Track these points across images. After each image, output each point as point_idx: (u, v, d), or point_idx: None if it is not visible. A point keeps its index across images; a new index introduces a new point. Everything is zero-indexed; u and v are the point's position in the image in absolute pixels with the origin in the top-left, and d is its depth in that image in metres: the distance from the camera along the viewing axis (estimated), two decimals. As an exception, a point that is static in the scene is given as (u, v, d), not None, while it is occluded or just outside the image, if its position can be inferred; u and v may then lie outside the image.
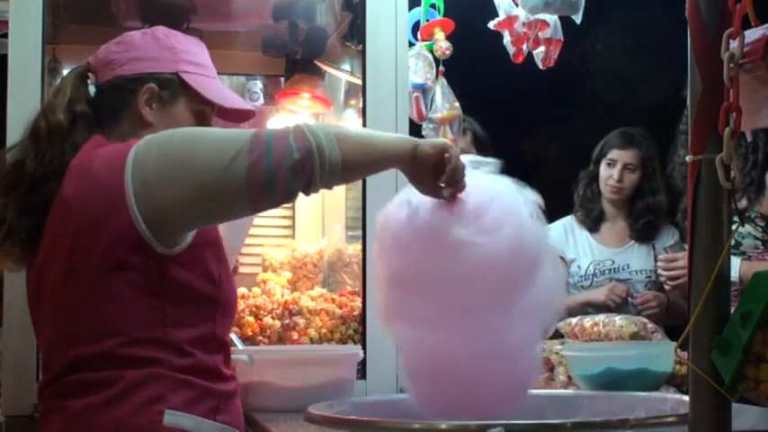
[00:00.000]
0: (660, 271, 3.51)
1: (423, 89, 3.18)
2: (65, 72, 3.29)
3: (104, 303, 1.79)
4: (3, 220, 1.87)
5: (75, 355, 1.80)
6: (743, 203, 3.30)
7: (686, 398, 1.43)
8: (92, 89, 1.98)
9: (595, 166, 3.84)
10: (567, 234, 3.85)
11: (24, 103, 2.41)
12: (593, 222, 3.81)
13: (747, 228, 3.31)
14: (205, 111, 2.02)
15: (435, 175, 1.86)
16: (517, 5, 3.17)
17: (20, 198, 1.87)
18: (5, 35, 2.49)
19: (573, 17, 3.12)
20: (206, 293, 1.86)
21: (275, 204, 1.84)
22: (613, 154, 3.77)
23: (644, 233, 3.77)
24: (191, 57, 2.02)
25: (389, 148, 1.88)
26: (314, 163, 1.75)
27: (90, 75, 2.00)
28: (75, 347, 1.80)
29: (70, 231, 1.81)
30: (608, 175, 3.76)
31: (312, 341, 2.75)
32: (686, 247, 3.12)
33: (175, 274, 1.81)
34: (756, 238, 3.33)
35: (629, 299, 3.62)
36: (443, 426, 1.82)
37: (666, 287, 3.53)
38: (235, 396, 1.93)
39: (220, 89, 2.07)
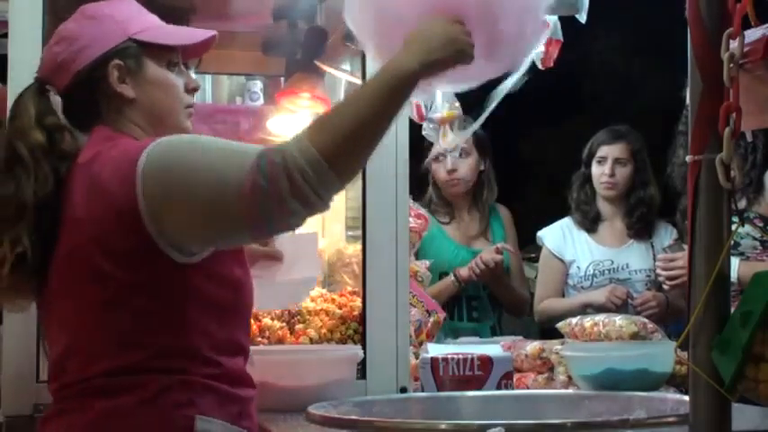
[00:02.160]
0: (659, 271, 3.52)
1: (423, 89, 3.18)
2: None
3: (124, 316, 1.76)
4: (23, 255, 1.79)
5: (99, 367, 1.77)
6: (742, 204, 3.30)
7: (686, 398, 1.43)
8: (56, 99, 1.91)
9: (587, 167, 3.85)
10: (566, 235, 3.85)
11: (24, 103, 2.40)
12: (590, 224, 3.82)
13: (746, 228, 3.32)
14: (173, 58, 1.95)
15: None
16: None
17: (31, 227, 1.80)
18: (5, 35, 2.48)
19: (577, 16, 3.12)
20: (228, 300, 1.83)
21: (286, 229, 1.82)
22: (603, 151, 3.79)
23: (641, 228, 3.78)
24: (131, 16, 1.94)
25: (390, 82, 1.70)
26: (281, 177, 1.65)
27: (48, 87, 1.91)
28: (99, 361, 1.77)
29: (84, 244, 1.77)
30: (600, 172, 3.78)
31: (312, 341, 2.75)
32: (685, 246, 3.14)
33: (197, 284, 1.78)
34: (755, 238, 3.33)
35: (629, 300, 3.62)
36: (443, 426, 1.82)
37: (665, 287, 3.54)
38: (254, 401, 1.90)
39: (174, 31, 2.01)
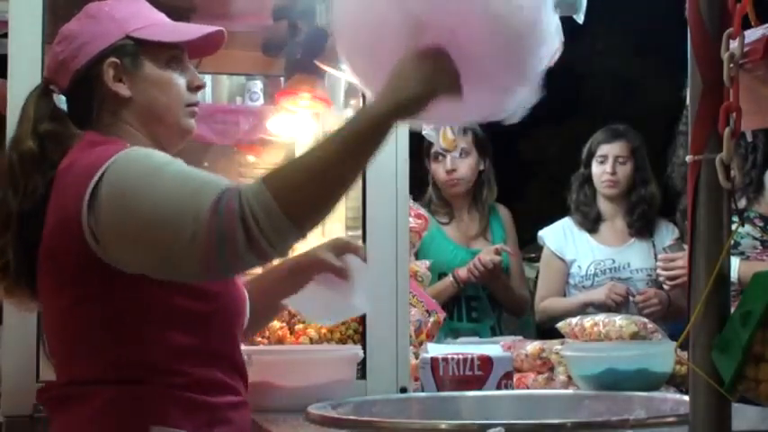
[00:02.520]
0: (659, 271, 3.52)
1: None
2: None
3: (79, 326, 1.77)
4: (6, 263, 1.80)
5: (62, 376, 1.83)
6: (742, 203, 3.30)
7: (686, 398, 1.43)
8: (60, 99, 1.88)
9: (586, 167, 3.86)
10: (567, 235, 3.86)
11: (24, 103, 2.41)
12: (591, 224, 3.82)
13: (746, 228, 3.32)
14: (175, 56, 1.91)
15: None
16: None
17: (15, 237, 1.79)
18: (5, 35, 2.48)
19: (575, 17, 3.11)
20: (192, 310, 1.77)
21: (239, 274, 1.84)
22: (602, 150, 3.79)
23: (642, 226, 3.78)
24: (132, 14, 1.90)
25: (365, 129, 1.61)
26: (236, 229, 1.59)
27: (52, 87, 1.89)
28: (62, 369, 1.82)
29: (47, 252, 1.77)
30: (601, 171, 3.78)
31: (312, 341, 2.75)
32: (685, 246, 3.15)
33: (154, 294, 1.73)
34: (755, 238, 3.33)
35: (630, 297, 3.62)
36: (443, 426, 1.82)
37: (665, 287, 3.54)
38: (239, 406, 1.86)
39: (174, 28, 1.94)
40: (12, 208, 1.79)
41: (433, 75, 1.59)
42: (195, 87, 1.93)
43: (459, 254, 3.80)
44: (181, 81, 1.90)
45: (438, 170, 3.85)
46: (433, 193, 3.89)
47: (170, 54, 1.90)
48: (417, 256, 3.45)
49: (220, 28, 1.97)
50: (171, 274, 1.70)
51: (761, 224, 3.33)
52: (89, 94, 1.86)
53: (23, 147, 1.82)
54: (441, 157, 3.81)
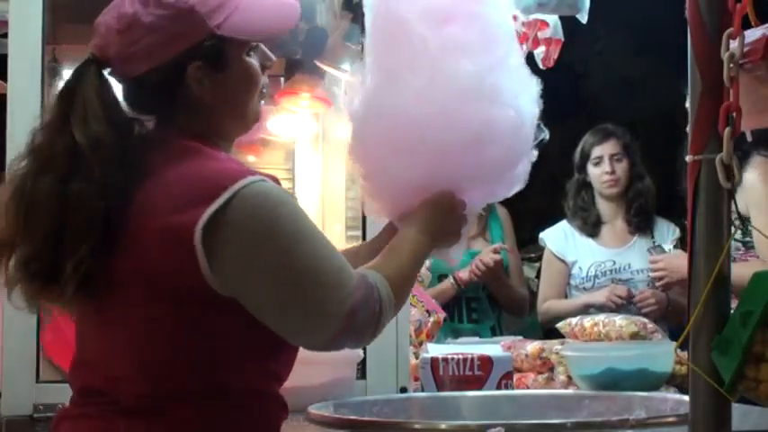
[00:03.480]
0: (650, 273, 3.58)
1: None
2: (65, 72, 3.30)
3: (161, 345, 1.61)
4: (80, 262, 1.57)
5: (135, 388, 1.62)
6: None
7: (686, 398, 1.43)
8: (115, 83, 1.68)
9: (581, 172, 3.86)
10: (567, 236, 3.86)
11: (24, 104, 2.41)
12: (591, 228, 3.83)
13: None
14: (257, 48, 1.74)
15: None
16: (515, 5, 3.17)
17: (95, 241, 1.58)
18: (5, 35, 2.48)
19: (578, 16, 3.12)
20: (273, 335, 1.64)
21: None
22: (597, 151, 3.80)
23: (641, 222, 3.78)
24: (211, 7, 1.65)
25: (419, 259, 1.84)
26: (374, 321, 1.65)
27: (109, 73, 1.68)
28: (136, 382, 1.62)
29: (139, 263, 1.59)
30: (600, 172, 3.79)
31: (312, 341, 2.75)
32: (665, 248, 3.15)
33: (241, 320, 1.61)
34: (736, 239, 3.34)
35: (630, 299, 3.63)
36: (443, 426, 1.82)
37: (656, 285, 3.58)
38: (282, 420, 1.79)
39: (258, 14, 1.71)
40: (98, 206, 1.58)
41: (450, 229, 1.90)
42: (267, 67, 1.77)
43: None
44: (257, 66, 1.74)
45: None
46: None
47: (253, 46, 1.73)
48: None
49: (293, 3, 1.80)
50: (286, 327, 1.62)
51: (742, 226, 3.33)
52: (163, 94, 1.67)
53: (92, 130, 1.60)
54: None
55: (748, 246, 3.29)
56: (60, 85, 1.74)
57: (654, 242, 3.77)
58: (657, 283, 3.55)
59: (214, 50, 1.66)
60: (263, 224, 1.57)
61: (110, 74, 1.68)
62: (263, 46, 1.75)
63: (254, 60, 1.73)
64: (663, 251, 3.56)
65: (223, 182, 1.57)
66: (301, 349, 1.73)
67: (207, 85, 1.67)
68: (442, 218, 1.85)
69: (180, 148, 1.65)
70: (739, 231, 3.31)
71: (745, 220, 3.24)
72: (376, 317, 1.63)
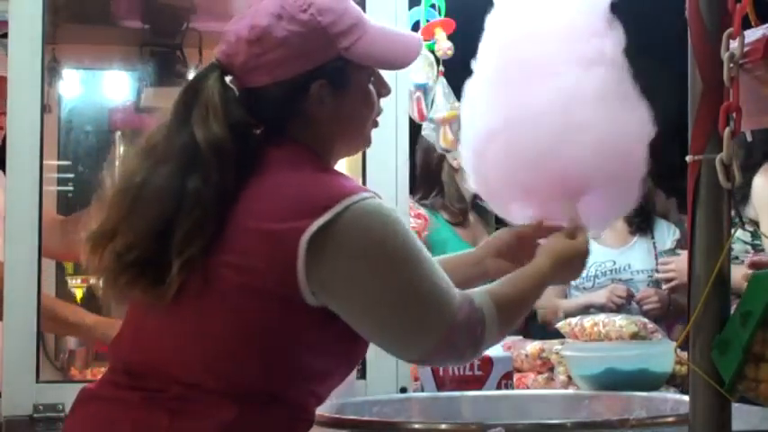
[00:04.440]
0: (658, 275, 3.57)
1: (424, 89, 3.18)
2: (64, 72, 3.30)
3: (241, 347, 1.61)
4: (189, 261, 1.59)
5: (196, 379, 1.61)
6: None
7: (686, 398, 1.43)
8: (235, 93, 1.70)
9: None
10: (568, 236, 3.85)
11: (24, 103, 2.41)
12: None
13: (737, 232, 3.32)
14: (376, 74, 1.76)
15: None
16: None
17: (206, 241, 1.60)
18: (5, 35, 2.48)
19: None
20: (347, 346, 1.70)
21: None
22: None
23: (641, 222, 3.78)
24: (340, 23, 1.68)
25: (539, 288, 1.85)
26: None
27: (232, 81, 1.70)
28: (193, 373, 1.61)
29: (233, 262, 1.60)
30: None
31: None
32: (679, 252, 3.16)
33: (321, 327, 1.64)
34: (745, 242, 3.34)
35: (631, 299, 3.63)
36: (443, 426, 1.83)
37: (663, 287, 3.57)
38: None
39: (386, 44, 1.74)
40: (211, 205, 1.60)
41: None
42: (383, 96, 1.80)
43: None
44: (375, 93, 1.77)
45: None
46: (447, 193, 3.81)
47: (373, 70, 1.77)
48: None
49: (417, 36, 1.88)
50: (383, 341, 1.67)
51: (751, 228, 3.33)
52: (285, 107, 1.70)
53: (213, 134, 1.63)
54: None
55: (758, 248, 3.29)
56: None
57: (654, 243, 3.76)
58: (665, 285, 3.55)
59: (339, 72, 1.69)
60: (371, 241, 1.59)
61: (231, 81, 1.70)
62: (381, 74, 1.78)
63: (372, 85, 1.75)
64: (674, 255, 3.57)
65: (335, 195, 1.59)
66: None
67: (327, 103, 1.69)
68: (571, 259, 1.90)
69: (292, 156, 1.68)
70: (749, 234, 3.31)
71: (744, 220, 3.24)
72: (477, 339, 1.66)
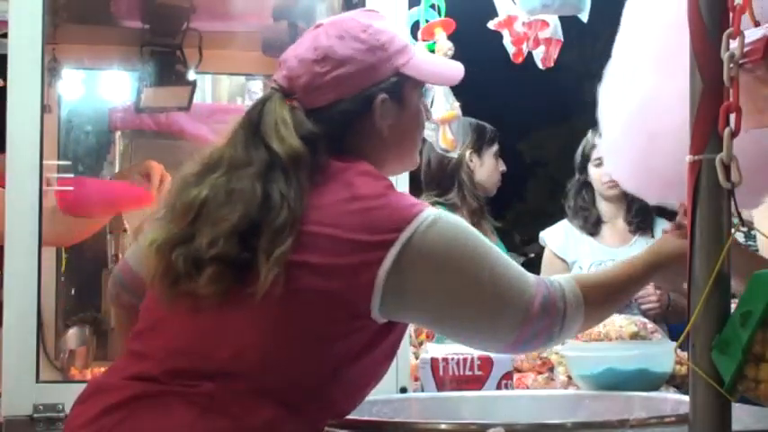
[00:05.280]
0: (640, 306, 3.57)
1: (424, 89, 3.18)
2: (64, 72, 3.30)
3: (286, 355, 1.66)
4: (281, 256, 1.64)
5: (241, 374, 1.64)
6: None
7: (686, 398, 1.43)
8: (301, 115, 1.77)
9: (582, 173, 3.85)
10: (568, 236, 3.85)
11: (24, 104, 2.41)
12: (592, 227, 3.82)
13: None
14: (422, 89, 1.91)
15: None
16: (515, 4, 3.17)
17: (294, 236, 1.66)
18: (5, 35, 2.48)
19: (579, 16, 3.11)
20: (382, 353, 1.77)
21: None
22: (597, 152, 3.79)
23: (641, 221, 3.78)
24: (396, 42, 1.82)
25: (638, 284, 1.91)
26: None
27: (296, 105, 1.77)
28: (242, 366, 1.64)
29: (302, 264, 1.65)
30: (601, 173, 3.78)
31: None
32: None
33: (371, 336, 1.71)
34: (740, 242, 3.34)
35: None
36: (443, 426, 1.82)
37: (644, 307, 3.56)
38: None
39: (434, 64, 1.96)
40: (297, 211, 1.67)
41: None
42: (427, 118, 1.96)
43: None
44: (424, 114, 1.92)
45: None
46: (472, 193, 3.82)
47: (422, 88, 1.90)
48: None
49: (460, 66, 1.98)
50: (470, 341, 1.80)
51: (744, 230, 3.33)
52: (347, 124, 1.78)
53: (289, 145, 1.71)
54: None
55: (752, 248, 3.29)
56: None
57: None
58: (645, 307, 3.53)
59: (398, 87, 1.81)
60: (451, 250, 1.68)
61: (293, 102, 1.78)
62: (424, 101, 1.93)
63: (421, 107, 1.89)
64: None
65: (414, 211, 1.68)
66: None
67: (388, 118, 1.80)
68: (674, 259, 1.87)
69: (356, 168, 1.74)
70: (743, 235, 3.31)
71: (745, 221, 3.25)
72: (560, 316, 1.72)
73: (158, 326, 1.74)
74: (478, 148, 3.74)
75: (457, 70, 1.95)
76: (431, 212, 1.69)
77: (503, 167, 3.83)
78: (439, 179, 3.76)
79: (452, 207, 3.71)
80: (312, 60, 1.77)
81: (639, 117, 1.97)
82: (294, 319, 1.64)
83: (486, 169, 3.81)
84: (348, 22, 1.82)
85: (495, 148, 3.81)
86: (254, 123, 1.75)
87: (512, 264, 1.73)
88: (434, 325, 1.79)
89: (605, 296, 1.81)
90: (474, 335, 1.74)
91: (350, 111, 1.77)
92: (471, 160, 3.77)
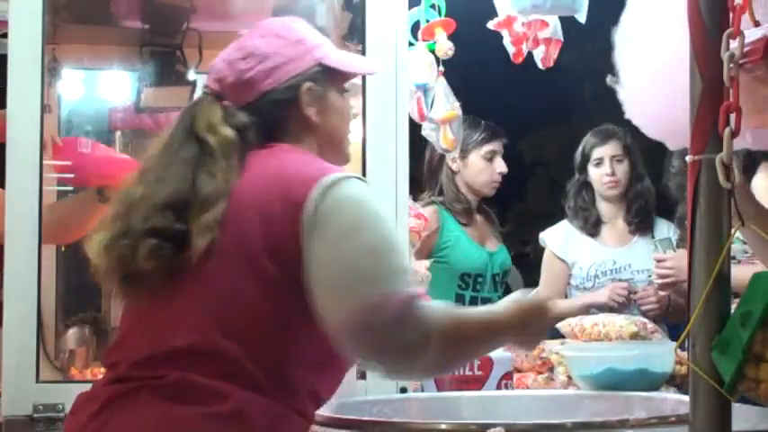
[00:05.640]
0: (653, 269, 3.54)
1: (424, 89, 3.18)
2: (64, 72, 3.30)
3: (254, 321, 1.72)
4: (207, 229, 1.73)
5: (213, 363, 1.69)
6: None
7: (686, 398, 1.43)
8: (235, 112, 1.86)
9: (581, 173, 3.85)
10: (568, 236, 3.85)
11: (24, 103, 2.41)
12: (591, 228, 3.82)
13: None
14: (344, 84, 1.98)
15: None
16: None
17: (222, 211, 1.75)
18: (5, 35, 2.49)
19: (576, 17, 3.12)
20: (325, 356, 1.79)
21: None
22: (597, 152, 3.79)
23: (641, 222, 3.79)
24: (315, 38, 1.93)
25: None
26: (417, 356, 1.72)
27: (227, 104, 1.86)
28: (215, 359, 1.69)
29: (245, 233, 1.73)
30: (601, 173, 3.78)
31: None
32: (674, 240, 3.10)
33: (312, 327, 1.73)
34: (744, 242, 3.33)
35: (631, 295, 3.62)
36: (443, 426, 1.83)
37: (656, 282, 3.53)
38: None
39: (353, 58, 2.06)
40: (223, 189, 1.76)
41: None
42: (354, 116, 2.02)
43: (481, 255, 3.79)
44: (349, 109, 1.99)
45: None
46: (454, 194, 3.83)
47: (344, 83, 1.97)
48: (434, 256, 3.46)
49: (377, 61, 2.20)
50: (321, 300, 1.72)
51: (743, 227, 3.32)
52: (276, 113, 1.87)
53: (221, 134, 1.81)
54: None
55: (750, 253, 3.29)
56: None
57: (655, 244, 3.76)
58: (661, 281, 3.47)
59: (321, 76, 1.89)
60: (353, 216, 1.73)
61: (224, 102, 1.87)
62: (348, 97, 1.99)
63: (346, 102, 1.97)
64: (671, 243, 3.51)
65: (319, 175, 1.74)
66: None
67: (315, 104, 1.88)
68: (533, 316, 1.85)
69: (282, 146, 1.85)
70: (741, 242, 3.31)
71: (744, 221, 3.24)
72: (408, 333, 1.67)
73: (124, 334, 1.83)
74: (463, 149, 3.74)
75: (373, 63, 2.13)
76: (337, 176, 1.75)
77: (502, 168, 3.82)
78: (428, 179, 3.80)
79: (443, 205, 3.75)
80: (237, 59, 1.87)
81: (667, 73, 1.93)
82: (236, 296, 1.71)
83: (472, 170, 3.81)
84: (269, 24, 1.95)
85: (486, 148, 3.81)
86: (186, 124, 1.84)
87: (400, 256, 1.75)
88: (311, 278, 1.72)
89: (459, 350, 1.79)
90: (330, 292, 1.70)
91: (278, 100, 1.86)
92: (454, 161, 3.78)
